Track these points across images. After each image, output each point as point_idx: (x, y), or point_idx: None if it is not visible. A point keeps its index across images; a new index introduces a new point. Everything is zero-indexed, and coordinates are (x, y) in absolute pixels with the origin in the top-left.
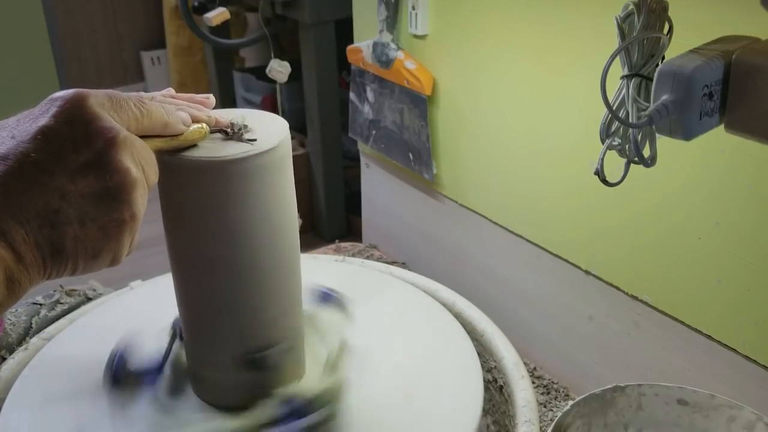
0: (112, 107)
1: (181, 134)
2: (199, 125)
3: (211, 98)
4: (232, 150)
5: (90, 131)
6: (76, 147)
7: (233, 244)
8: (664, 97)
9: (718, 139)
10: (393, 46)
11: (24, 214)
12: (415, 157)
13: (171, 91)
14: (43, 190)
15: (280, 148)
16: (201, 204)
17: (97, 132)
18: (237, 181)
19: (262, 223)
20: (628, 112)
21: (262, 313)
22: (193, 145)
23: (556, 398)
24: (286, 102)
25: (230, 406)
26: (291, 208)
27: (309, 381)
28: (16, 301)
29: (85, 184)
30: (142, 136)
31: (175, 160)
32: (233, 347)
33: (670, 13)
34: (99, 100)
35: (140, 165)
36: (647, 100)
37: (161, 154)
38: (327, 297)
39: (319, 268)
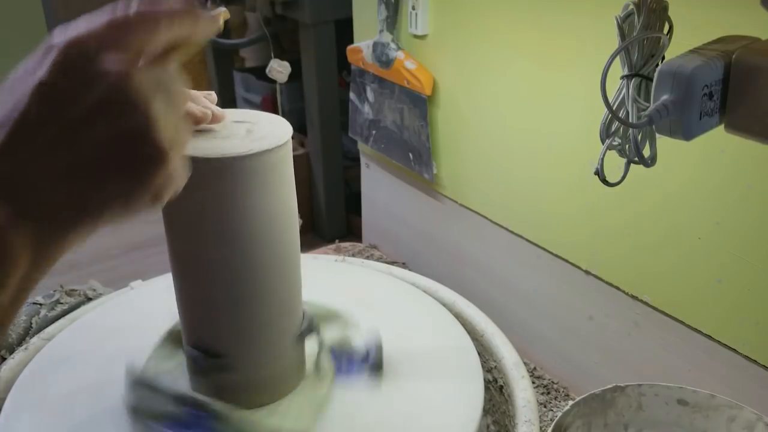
0: (114, 41)
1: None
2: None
3: (213, 95)
4: (232, 150)
5: (91, 75)
6: (77, 97)
7: (232, 244)
8: (664, 97)
9: (718, 139)
10: (393, 46)
11: (38, 181)
12: (415, 157)
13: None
14: (52, 147)
15: (280, 148)
16: (200, 204)
17: (99, 74)
18: (236, 181)
19: (261, 223)
20: (628, 112)
21: (258, 314)
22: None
23: (556, 398)
24: (286, 102)
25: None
26: (291, 208)
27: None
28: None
29: (96, 132)
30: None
31: None
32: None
33: (670, 13)
34: (97, 39)
35: (163, 92)
36: (647, 100)
37: None
38: (367, 359)
39: (319, 268)
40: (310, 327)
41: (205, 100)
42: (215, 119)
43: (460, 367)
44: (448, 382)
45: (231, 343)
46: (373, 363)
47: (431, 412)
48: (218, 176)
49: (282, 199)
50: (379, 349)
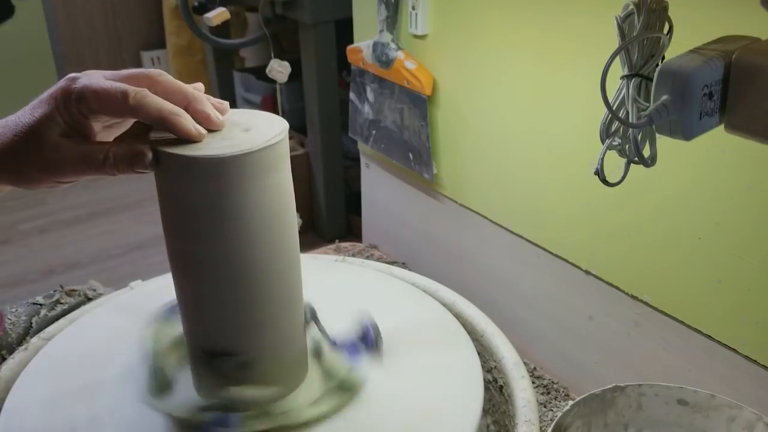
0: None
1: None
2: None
3: (225, 105)
4: (228, 148)
5: None
6: None
7: (230, 244)
8: (664, 97)
9: (718, 139)
10: (393, 46)
11: None
12: (415, 157)
13: (201, 86)
14: None
15: (277, 146)
16: (195, 203)
17: None
18: (233, 180)
19: (260, 223)
20: (628, 112)
21: (259, 313)
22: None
23: (556, 398)
24: (286, 102)
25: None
26: (290, 208)
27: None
28: None
29: None
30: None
31: (170, 158)
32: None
33: (670, 13)
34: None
35: None
36: (647, 100)
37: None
38: (365, 339)
39: (319, 268)
40: (312, 316)
41: (209, 104)
42: (215, 126)
43: (459, 367)
44: (448, 382)
45: (244, 341)
46: (372, 343)
47: (431, 413)
48: (210, 176)
49: (279, 198)
50: (375, 327)
